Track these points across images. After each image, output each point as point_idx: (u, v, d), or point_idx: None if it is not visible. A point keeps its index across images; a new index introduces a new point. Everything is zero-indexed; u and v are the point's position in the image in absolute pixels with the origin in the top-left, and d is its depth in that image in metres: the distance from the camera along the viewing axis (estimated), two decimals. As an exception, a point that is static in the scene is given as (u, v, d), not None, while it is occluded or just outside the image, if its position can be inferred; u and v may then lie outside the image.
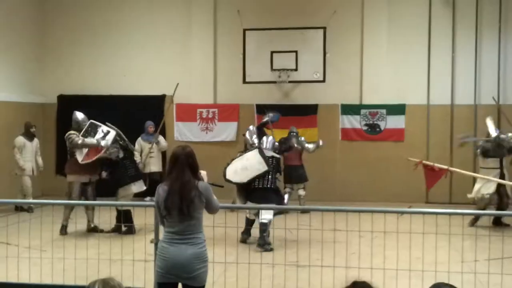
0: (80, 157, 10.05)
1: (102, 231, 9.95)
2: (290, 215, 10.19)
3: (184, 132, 14.83)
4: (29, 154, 12.52)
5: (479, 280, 6.07)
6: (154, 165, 13.66)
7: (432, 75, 14.17)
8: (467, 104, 13.99)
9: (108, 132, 10.21)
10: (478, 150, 11.09)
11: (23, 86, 14.47)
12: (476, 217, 10.61)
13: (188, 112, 14.80)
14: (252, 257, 6.66)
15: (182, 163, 4.60)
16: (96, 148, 10.04)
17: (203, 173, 4.90)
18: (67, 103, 14.52)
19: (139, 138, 13.65)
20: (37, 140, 12.86)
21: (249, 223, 9.74)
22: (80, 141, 10.02)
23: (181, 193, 4.52)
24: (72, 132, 10.26)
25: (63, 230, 9.99)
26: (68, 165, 10.36)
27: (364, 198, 13.35)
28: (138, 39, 14.98)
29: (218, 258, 6.68)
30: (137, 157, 11.94)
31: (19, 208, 12.13)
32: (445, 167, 9.12)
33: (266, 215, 9.08)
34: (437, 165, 9.17)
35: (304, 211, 10.07)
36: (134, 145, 11.84)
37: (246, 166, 9.66)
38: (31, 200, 11.76)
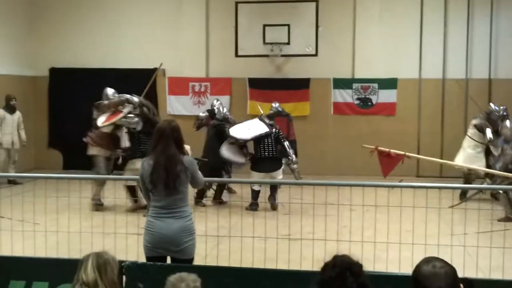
0: (101, 120, 10.18)
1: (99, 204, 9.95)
2: (283, 189, 10.27)
3: (176, 106, 14.80)
4: (9, 127, 12.43)
5: (468, 253, 6.16)
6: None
7: (424, 50, 14.16)
8: (458, 78, 14.02)
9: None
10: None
11: (14, 59, 14.36)
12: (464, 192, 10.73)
13: (180, 86, 14.76)
14: (245, 231, 6.73)
15: (168, 137, 4.61)
16: (116, 111, 10.19)
17: (187, 147, 4.93)
18: (59, 76, 14.44)
19: None
20: (19, 114, 12.76)
21: (255, 194, 9.95)
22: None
23: (167, 167, 4.53)
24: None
25: (97, 206, 9.94)
26: (92, 137, 10.36)
27: (356, 172, 13.41)
28: (131, 12, 14.86)
29: (211, 232, 6.75)
30: None
31: (12, 182, 12.12)
32: (402, 153, 9.07)
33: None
34: (393, 151, 9.15)
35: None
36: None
37: (249, 127, 10.40)
38: (29, 174, 11.72)
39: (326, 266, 2.80)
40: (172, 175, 4.53)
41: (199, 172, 4.79)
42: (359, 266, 2.79)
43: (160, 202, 4.62)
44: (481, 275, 5.65)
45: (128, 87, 13.71)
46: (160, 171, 4.54)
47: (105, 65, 14.60)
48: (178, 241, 4.59)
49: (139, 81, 14.08)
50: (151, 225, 4.65)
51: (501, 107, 11.41)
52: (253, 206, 10.00)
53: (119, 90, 13.22)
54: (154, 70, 13.52)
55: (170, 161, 4.56)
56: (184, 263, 4.56)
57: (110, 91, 10.89)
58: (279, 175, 10.30)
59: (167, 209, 4.61)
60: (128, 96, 10.53)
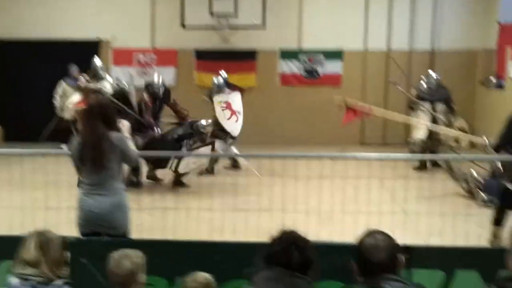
0: (73, 101, 10.06)
1: None
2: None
3: (120, 76, 14.51)
4: None
5: (409, 219, 6.34)
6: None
7: (369, 22, 14.27)
8: (402, 50, 14.23)
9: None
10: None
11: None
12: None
13: (124, 57, 14.47)
14: (192, 203, 6.73)
15: (95, 115, 4.54)
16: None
17: (126, 124, 4.86)
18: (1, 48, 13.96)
19: (62, 81, 12.66)
20: None
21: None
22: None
23: (94, 145, 4.47)
24: None
25: None
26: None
27: (302, 142, 13.53)
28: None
29: (157, 204, 6.72)
30: (56, 101, 11.89)
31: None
32: (367, 105, 9.28)
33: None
34: (359, 104, 9.32)
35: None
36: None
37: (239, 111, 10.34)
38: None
39: (273, 240, 2.83)
40: (99, 153, 4.47)
41: (131, 149, 4.71)
42: (305, 241, 2.84)
43: (89, 179, 4.57)
44: (421, 241, 5.83)
45: (72, 59, 13.41)
46: (87, 149, 4.49)
47: (48, 37, 14.14)
48: (109, 217, 4.56)
49: (84, 52, 13.73)
50: (82, 202, 4.60)
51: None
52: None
53: (62, 63, 12.93)
54: (98, 42, 13.22)
55: (97, 139, 4.49)
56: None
57: (98, 62, 10.69)
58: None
59: (96, 186, 4.55)
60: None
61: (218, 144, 9.90)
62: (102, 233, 4.57)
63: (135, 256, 3.39)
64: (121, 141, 4.61)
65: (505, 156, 5.90)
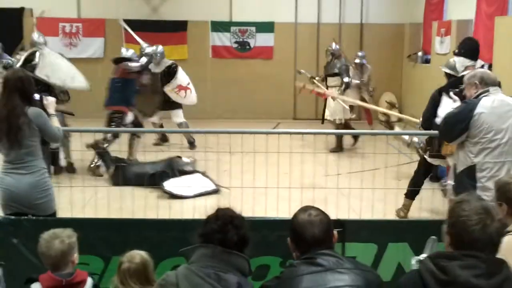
0: None
1: None
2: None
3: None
4: None
5: (341, 193, 6.48)
6: None
7: (300, -6, 14.34)
8: (332, 22, 14.38)
9: None
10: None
11: None
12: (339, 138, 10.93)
13: (49, 27, 13.87)
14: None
15: (11, 88, 4.37)
16: None
17: (50, 99, 4.69)
18: None
19: None
20: None
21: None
22: None
23: (9, 120, 4.31)
24: None
25: None
26: None
27: (234, 115, 13.55)
28: None
29: (88, 182, 6.58)
30: None
31: None
32: (322, 90, 9.53)
33: None
34: (317, 89, 9.57)
35: None
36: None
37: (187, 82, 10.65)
38: None
39: (209, 218, 2.83)
40: (13, 128, 4.30)
41: (51, 125, 4.52)
42: (241, 218, 2.85)
43: (7, 156, 4.42)
44: (353, 215, 5.99)
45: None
46: (1, 124, 4.31)
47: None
48: (30, 197, 4.41)
49: (5, 21, 13.12)
50: (2, 181, 4.45)
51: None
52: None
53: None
54: (21, 10, 12.65)
55: (12, 114, 4.31)
56: None
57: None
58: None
59: (14, 164, 4.40)
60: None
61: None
62: (25, 213, 4.42)
63: (66, 236, 3.31)
64: (39, 117, 4.41)
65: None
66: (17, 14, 13.55)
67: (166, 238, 4.15)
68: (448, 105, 5.82)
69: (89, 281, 3.31)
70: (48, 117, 4.55)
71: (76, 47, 14.02)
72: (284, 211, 5.36)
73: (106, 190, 6.26)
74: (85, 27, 14.09)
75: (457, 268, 2.29)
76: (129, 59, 9.45)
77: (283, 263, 4.06)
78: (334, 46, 11.07)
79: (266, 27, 14.38)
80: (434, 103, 6.44)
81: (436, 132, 5.23)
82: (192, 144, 10.36)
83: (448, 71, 6.75)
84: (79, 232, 3.41)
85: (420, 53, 13.57)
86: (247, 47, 14.47)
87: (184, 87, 10.69)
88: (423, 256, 3.00)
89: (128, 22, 13.89)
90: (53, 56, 8.80)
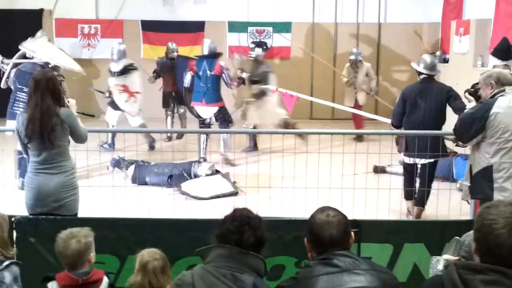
0: None
1: None
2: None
3: (65, 48, 14.08)
4: None
5: (357, 193, 6.45)
6: None
7: (317, -6, 14.30)
8: (350, 22, 14.32)
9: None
10: None
11: None
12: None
13: (68, 28, 14.05)
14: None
15: (43, 88, 4.38)
16: None
17: (72, 102, 4.73)
18: None
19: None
20: None
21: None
22: None
23: (41, 121, 4.33)
24: None
25: None
26: None
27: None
28: None
29: (105, 182, 6.61)
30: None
31: None
32: (295, 93, 9.43)
33: None
34: (289, 92, 9.47)
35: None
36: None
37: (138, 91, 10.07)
38: None
39: (225, 219, 2.83)
40: (46, 129, 4.33)
41: (81, 125, 4.59)
42: (258, 219, 2.84)
43: (37, 157, 4.44)
44: (369, 215, 5.96)
45: (13, 29, 12.93)
46: (34, 125, 4.33)
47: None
48: (58, 196, 4.45)
49: (24, 22, 13.24)
50: (31, 181, 4.47)
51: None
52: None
53: (2, 32, 12.34)
54: (40, 12, 12.75)
55: (45, 114, 4.34)
56: None
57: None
58: None
59: (45, 164, 4.43)
60: None
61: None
62: (51, 213, 4.46)
63: (83, 236, 3.34)
64: (70, 117, 4.48)
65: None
66: (36, 16, 13.67)
67: (181, 238, 4.17)
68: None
69: (105, 280, 3.33)
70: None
71: (95, 48, 14.11)
72: (300, 211, 5.36)
73: (123, 190, 6.29)
74: (103, 28, 14.18)
75: (479, 284, 2.21)
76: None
77: (298, 263, 4.06)
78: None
79: (283, 27, 14.36)
80: (400, 102, 6.47)
81: (450, 131, 5.17)
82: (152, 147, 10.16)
83: (421, 70, 6.67)
84: (95, 232, 3.43)
85: (438, 53, 13.45)
86: (264, 47, 14.43)
87: (130, 91, 10.16)
88: (445, 257, 2.97)
89: (146, 22, 13.99)
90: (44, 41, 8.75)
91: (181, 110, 11.37)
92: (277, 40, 14.40)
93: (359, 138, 10.16)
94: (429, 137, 6.01)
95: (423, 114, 6.37)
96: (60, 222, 4.18)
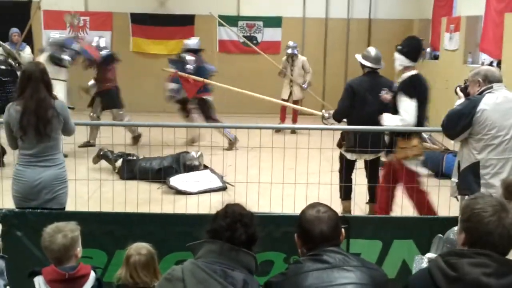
0: None
1: None
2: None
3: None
4: None
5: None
6: None
7: (308, -12, 14.28)
8: (340, 17, 14.32)
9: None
10: None
11: None
12: None
13: (56, 20, 13.92)
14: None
15: (37, 80, 4.32)
16: None
17: (58, 93, 4.69)
18: None
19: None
20: None
21: None
22: None
23: (37, 113, 4.28)
24: None
25: None
26: None
27: (241, 110, 13.51)
28: None
29: (93, 176, 6.57)
30: None
31: None
32: (200, 79, 9.37)
33: None
34: (192, 77, 9.41)
35: None
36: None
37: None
38: None
39: (218, 215, 2.80)
40: (43, 121, 4.29)
41: (71, 119, 4.57)
42: (250, 216, 2.81)
43: (30, 149, 4.37)
44: (358, 211, 5.97)
45: (2, 20, 12.79)
46: (30, 117, 4.27)
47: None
48: (50, 189, 4.41)
49: (12, 14, 13.09)
50: (21, 173, 4.40)
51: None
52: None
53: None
54: (28, 3, 12.61)
55: (41, 106, 4.29)
56: None
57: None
58: None
59: (38, 157, 4.38)
60: None
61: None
62: (39, 207, 4.41)
63: (69, 230, 3.30)
64: (65, 110, 4.46)
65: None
66: (24, 7, 13.55)
67: (170, 232, 4.15)
68: (412, 107, 5.69)
69: (92, 275, 3.30)
70: None
71: (84, 41, 13.99)
72: (289, 207, 5.35)
73: (110, 184, 6.24)
74: (93, 21, 14.09)
75: (466, 265, 2.26)
76: None
77: (287, 259, 4.05)
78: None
79: (274, 21, 14.33)
80: (349, 95, 6.40)
81: (438, 128, 5.16)
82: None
83: (364, 62, 6.58)
84: (82, 226, 3.39)
85: (428, 49, 13.48)
86: (254, 41, 14.42)
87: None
88: (429, 255, 2.98)
89: (136, 15, 13.91)
90: None
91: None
92: (267, 35, 14.37)
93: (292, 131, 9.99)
94: (376, 133, 5.96)
95: (372, 109, 6.20)
96: (47, 216, 4.14)
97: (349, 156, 6.44)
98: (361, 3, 14.33)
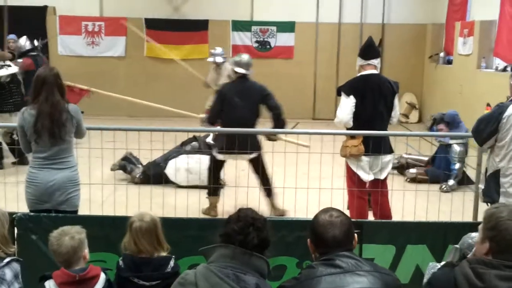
0: None
1: None
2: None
3: (68, 45, 14.13)
4: None
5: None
6: None
7: (321, -7, 14.29)
8: (354, 22, 14.31)
9: (10, 66, 8.84)
10: None
11: None
12: None
13: (72, 25, 14.07)
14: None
15: (51, 84, 4.39)
16: None
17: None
18: None
19: None
20: None
21: None
22: None
23: (52, 116, 4.33)
24: None
25: None
26: None
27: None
28: None
29: (107, 180, 6.61)
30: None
31: None
32: (86, 87, 9.22)
33: None
34: (78, 85, 9.24)
35: None
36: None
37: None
38: None
39: (230, 219, 2.82)
40: (57, 124, 4.34)
41: (83, 123, 4.63)
42: (263, 220, 2.83)
43: (44, 152, 4.43)
44: (371, 216, 5.94)
45: (17, 26, 12.93)
46: (44, 120, 4.32)
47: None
48: (63, 191, 4.46)
49: (28, 19, 13.23)
50: (35, 176, 4.46)
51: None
52: None
53: (6, 30, 12.34)
54: (44, 9, 12.73)
55: (55, 109, 4.35)
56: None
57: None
58: None
59: (52, 159, 4.43)
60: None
61: None
62: (53, 209, 4.46)
63: (76, 232, 3.33)
64: (78, 113, 4.52)
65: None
66: (40, 12, 13.69)
67: (184, 236, 4.15)
68: (346, 105, 5.73)
69: (103, 277, 3.32)
70: None
71: (99, 46, 14.13)
72: (302, 211, 5.35)
73: (124, 188, 6.28)
74: (108, 26, 14.18)
75: (494, 278, 2.23)
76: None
77: (300, 264, 4.04)
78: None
79: (287, 26, 14.36)
80: (218, 100, 6.63)
81: (468, 134, 5.14)
82: None
83: (237, 68, 6.73)
84: (96, 230, 3.42)
85: (442, 54, 13.45)
86: (268, 46, 14.46)
87: None
88: (443, 264, 2.96)
89: (150, 20, 13.99)
90: None
91: None
92: (280, 40, 14.40)
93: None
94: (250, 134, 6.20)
95: (241, 112, 6.46)
96: (62, 219, 4.17)
97: (220, 157, 6.61)
98: (374, 8, 14.31)
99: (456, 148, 8.07)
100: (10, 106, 8.73)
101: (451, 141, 8.17)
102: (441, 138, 8.31)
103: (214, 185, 6.67)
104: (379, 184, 5.84)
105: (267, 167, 6.61)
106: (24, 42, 9.52)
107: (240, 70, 6.72)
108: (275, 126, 6.67)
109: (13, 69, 8.80)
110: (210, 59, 10.59)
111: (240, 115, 6.44)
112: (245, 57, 6.85)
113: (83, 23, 14.11)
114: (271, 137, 6.78)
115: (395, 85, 5.94)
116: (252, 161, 6.58)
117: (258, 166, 6.53)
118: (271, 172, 6.54)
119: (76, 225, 3.41)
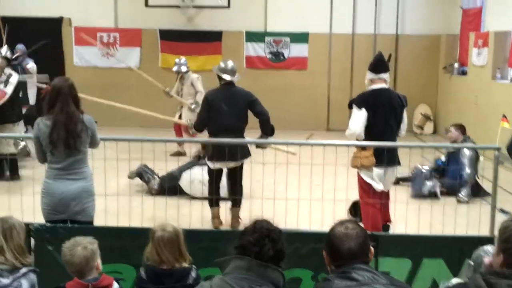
0: None
1: None
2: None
3: (84, 56, 14.25)
4: None
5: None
6: None
7: (334, 4, 14.29)
8: (367, 33, 14.30)
9: (11, 75, 8.80)
10: None
11: None
12: None
13: (87, 36, 14.17)
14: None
15: (66, 95, 4.43)
16: None
17: None
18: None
19: None
20: None
21: None
22: None
23: (67, 127, 4.37)
24: None
25: None
26: None
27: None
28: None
29: (123, 191, 6.63)
30: None
31: None
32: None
33: None
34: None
35: None
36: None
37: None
38: None
39: (246, 231, 2.82)
40: (73, 135, 4.38)
41: (98, 133, 4.68)
42: (278, 232, 2.83)
43: (59, 163, 4.46)
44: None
45: (33, 37, 13.04)
46: (60, 131, 4.36)
47: (7, 13, 13.74)
48: (79, 201, 4.49)
49: (44, 30, 13.36)
50: (49, 187, 4.49)
51: None
52: None
53: (23, 40, 12.44)
54: (59, 20, 12.83)
55: (71, 120, 4.39)
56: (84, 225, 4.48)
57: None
58: None
59: (67, 170, 4.47)
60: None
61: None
62: (68, 220, 4.49)
63: (88, 242, 3.36)
64: (92, 124, 4.56)
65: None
66: (56, 24, 13.83)
67: (198, 248, 4.15)
68: (358, 117, 5.83)
69: (115, 286, 3.34)
70: None
71: (114, 57, 14.23)
72: (316, 223, 5.33)
73: (139, 199, 6.30)
74: (122, 37, 14.29)
75: (506, 287, 2.23)
76: None
77: (315, 276, 4.03)
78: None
79: (301, 37, 14.38)
80: (204, 107, 6.63)
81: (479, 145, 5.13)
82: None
83: (222, 75, 6.70)
84: (112, 241, 3.44)
85: (456, 65, 13.39)
86: (281, 57, 14.48)
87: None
88: (454, 280, 2.94)
89: (164, 32, 14.08)
90: None
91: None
92: (294, 51, 14.42)
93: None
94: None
95: (228, 119, 6.49)
96: (78, 230, 4.19)
97: (211, 165, 6.63)
98: (388, 19, 14.29)
99: (466, 152, 8.03)
100: (13, 116, 8.76)
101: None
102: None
103: (213, 196, 6.66)
104: (384, 194, 6.01)
105: (243, 177, 6.67)
106: (5, 52, 9.49)
107: (226, 77, 6.70)
108: (263, 132, 6.72)
109: (15, 78, 8.79)
110: (174, 69, 10.86)
111: (227, 121, 6.49)
112: (230, 63, 6.83)
113: (98, 34, 14.22)
114: (260, 144, 6.82)
115: (404, 99, 6.09)
116: (232, 168, 6.61)
117: (236, 174, 6.56)
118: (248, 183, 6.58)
119: (88, 236, 3.44)
